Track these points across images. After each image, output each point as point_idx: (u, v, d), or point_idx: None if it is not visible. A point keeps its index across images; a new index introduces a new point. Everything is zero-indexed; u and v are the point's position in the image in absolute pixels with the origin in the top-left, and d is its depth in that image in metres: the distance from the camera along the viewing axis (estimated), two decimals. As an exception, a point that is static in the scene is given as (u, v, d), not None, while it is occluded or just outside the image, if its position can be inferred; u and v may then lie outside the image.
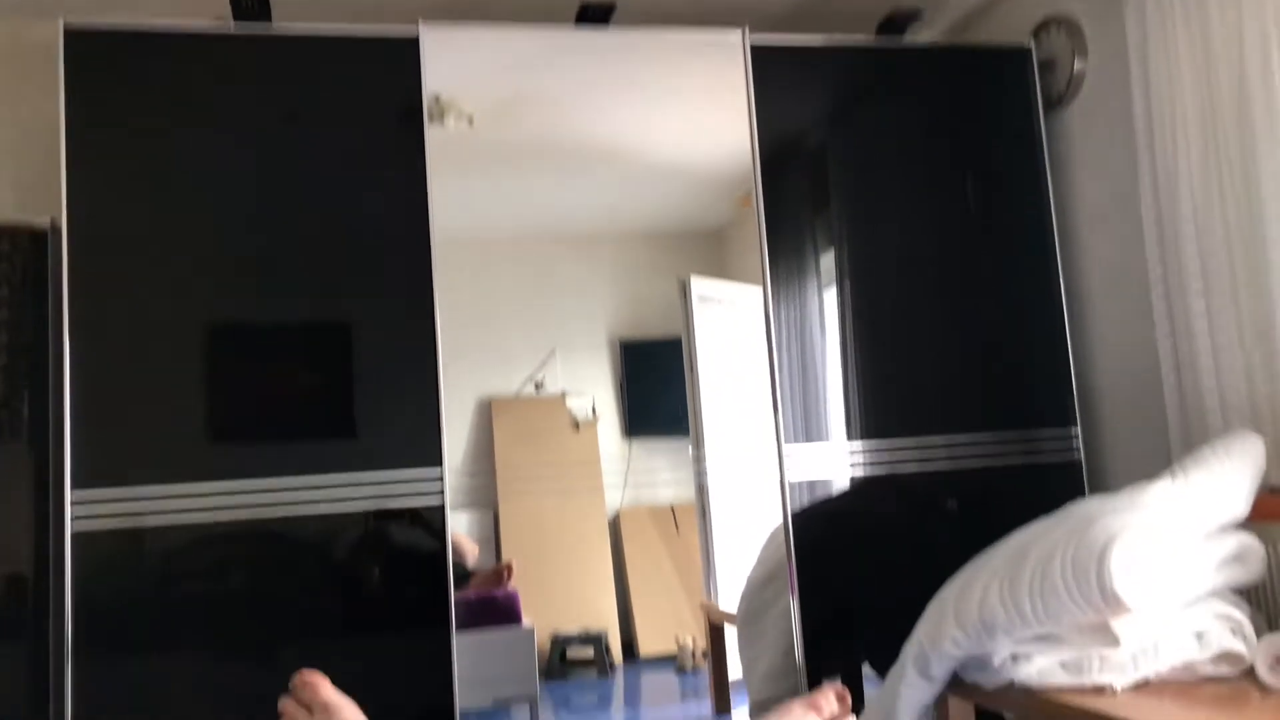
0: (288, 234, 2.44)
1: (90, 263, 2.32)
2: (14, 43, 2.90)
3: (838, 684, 1.37)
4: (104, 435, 2.28)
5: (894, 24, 2.87)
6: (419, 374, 2.46)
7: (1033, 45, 2.85)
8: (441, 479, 2.45)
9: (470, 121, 2.64)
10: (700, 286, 3.59)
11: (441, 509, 2.44)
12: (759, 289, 2.66)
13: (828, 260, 2.70)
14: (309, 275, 2.44)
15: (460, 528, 4.12)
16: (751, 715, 2.94)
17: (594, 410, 4.55)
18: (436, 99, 2.56)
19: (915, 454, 2.61)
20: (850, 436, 2.61)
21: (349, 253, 2.46)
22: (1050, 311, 2.71)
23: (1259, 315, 2.18)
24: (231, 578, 2.34)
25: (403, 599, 2.41)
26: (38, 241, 2.33)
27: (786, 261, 2.67)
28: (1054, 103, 2.84)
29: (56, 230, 2.35)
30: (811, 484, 2.59)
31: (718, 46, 2.71)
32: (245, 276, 2.41)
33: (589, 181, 3.01)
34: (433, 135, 2.51)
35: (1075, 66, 2.78)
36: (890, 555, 2.57)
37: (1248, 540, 1.99)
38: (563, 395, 4.50)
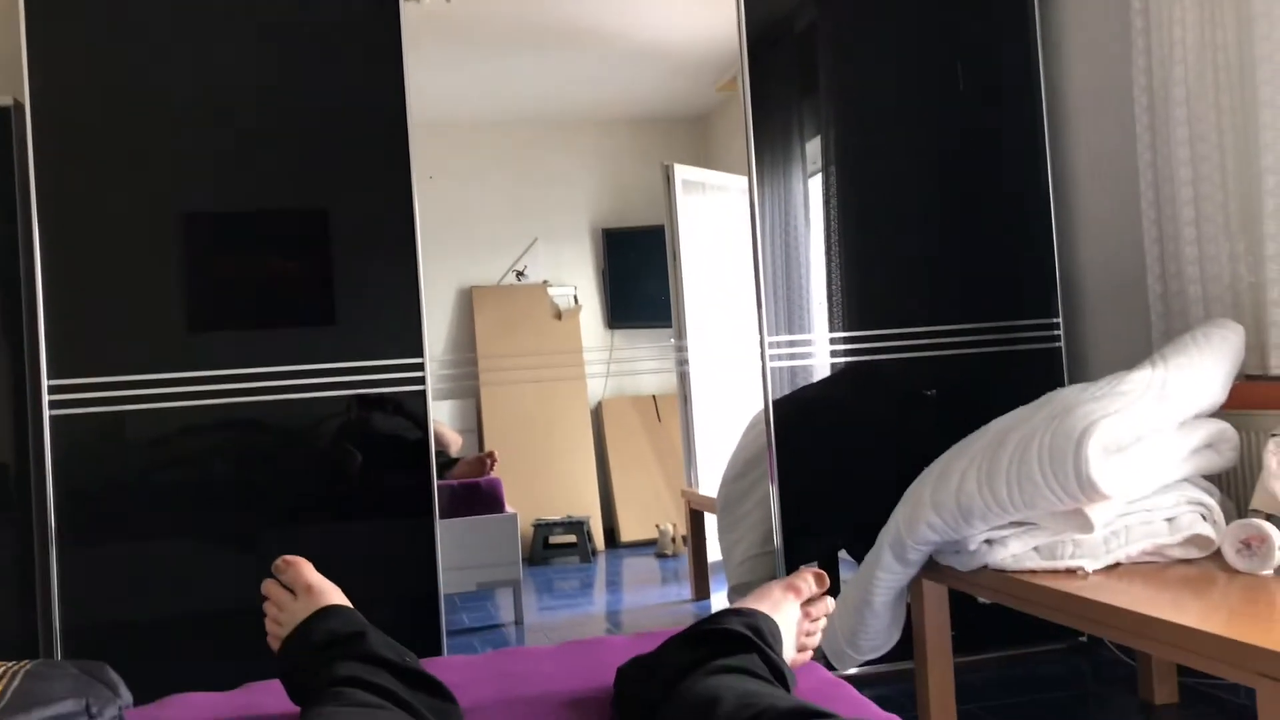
0: (260, 115, 2.36)
1: (55, 143, 2.25)
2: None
3: (815, 566, 1.39)
4: (78, 324, 2.25)
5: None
6: (398, 261, 2.42)
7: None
8: (423, 367, 2.43)
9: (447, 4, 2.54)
10: (684, 174, 3.53)
11: (423, 396, 2.43)
12: (743, 177, 2.61)
13: (814, 147, 2.65)
14: (283, 159, 2.38)
15: (443, 416, 4.14)
16: (730, 599, 3.00)
17: (576, 299, 4.53)
18: (411, -26, 2.45)
19: (897, 345, 2.61)
20: (833, 329, 2.60)
21: (323, 136, 2.39)
22: (1037, 202, 2.68)
23: (1246, 203, 2.16)
24: (213, 464, 2.34)
25: (386, 486, 2.42)
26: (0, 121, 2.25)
27: (772, 148, 2.61)
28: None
29: (20, 108, 2.27)
30: (792, 370, 2.59)
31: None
32: (217, 160, 2.34)
33: (570, 64, 2.92)
34: (408, 12, 2.41)
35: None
36: (869, 442, 2.60)
37: (1223, 428, 2.01)
38: (544, 284, 4.47)
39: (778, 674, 1.15)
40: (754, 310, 2.62)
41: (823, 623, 1.35)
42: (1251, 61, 2.08)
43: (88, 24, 2.29)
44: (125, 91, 2.30)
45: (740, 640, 1.16)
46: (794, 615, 1.30)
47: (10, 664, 1.07)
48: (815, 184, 2.65)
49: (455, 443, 3.91)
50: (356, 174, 2.42)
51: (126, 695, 1.10)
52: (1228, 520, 1.91)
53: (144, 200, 2.31)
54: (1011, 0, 2.69)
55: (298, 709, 1.16)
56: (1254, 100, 2.08)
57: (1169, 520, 1.93)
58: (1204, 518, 1.93)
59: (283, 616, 1.24)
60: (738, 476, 3.00)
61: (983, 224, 2.66)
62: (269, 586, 1.28)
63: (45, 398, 2.23)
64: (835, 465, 2.59)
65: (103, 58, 2.30)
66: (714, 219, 3.75)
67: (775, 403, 2.56)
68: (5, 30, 2.33)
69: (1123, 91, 2.50)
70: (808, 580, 1.34)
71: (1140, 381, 1.99)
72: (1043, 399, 2.07)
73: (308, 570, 1.28)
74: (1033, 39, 2.69)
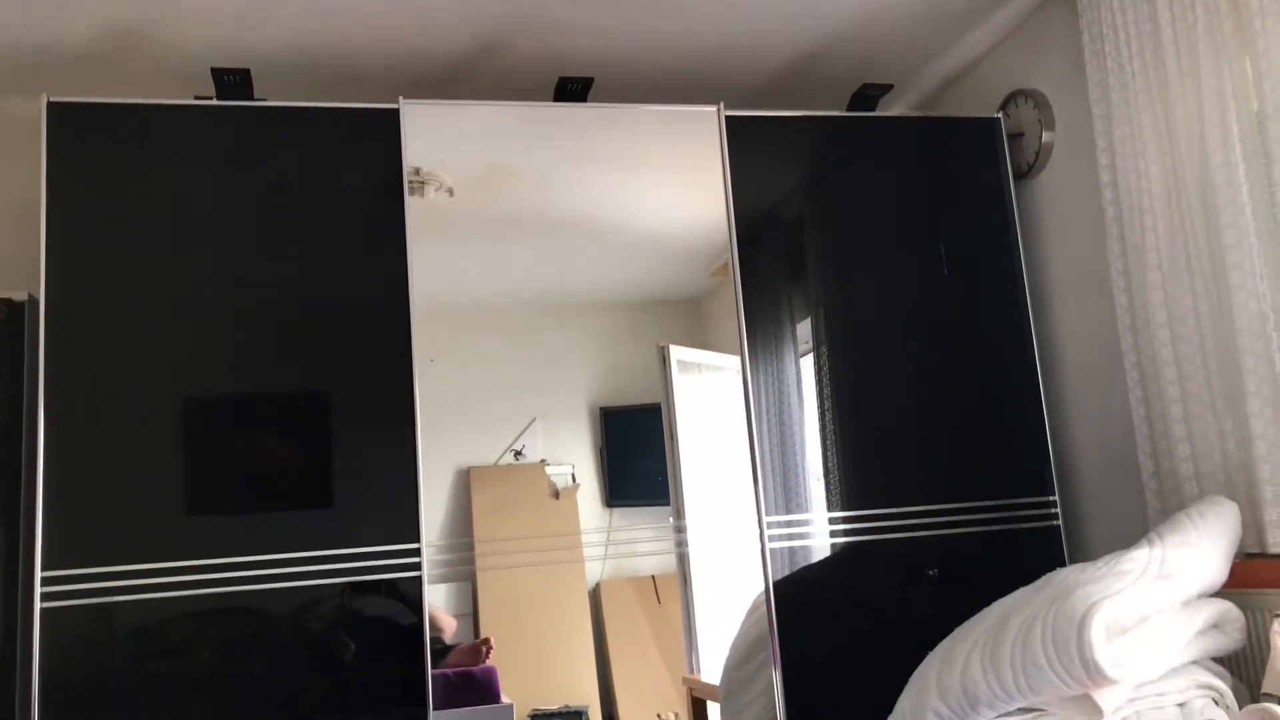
0: (266, 305, 2.44)
1: (67, 337, 2.31)
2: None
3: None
4: (76, 513, 2.25)
5: (866, 98, 2.93)
6: (397, 445, 2.45)
7: (1002, 117, 2.91)
8: (419, 553, 2.42)
9: (450, 192, 2.67)
10: (679, 354, 3.61)
11: (419, 582, 2.41)
12: (737, 357, 2.67)
13: (804, 328, 2.72)
14: (287, 344, 2.44)
15: (438, 600, 4.06)
16: (735, 791, 2.88)
17: (574, 478, 4.53)
18: (417, 171, 2.58)
19: (895, 524, 2.61)
20: (830, 508, 2.61)
21: (327, 323, 2.46)
22: (1026, 380, 2.74)
23: (1228, 383, 2.20)
24: (204, 655, 2.29)
25: (379, 675, 2.37)
26: (14, 315, 2.31)
27: (764, 329, 2.69)
28: (1024, 173, 2.90)
29: (34, 304, 2.34)
30: (792, 551, 2.57)
31: (694, 119, 2.76)
32: (223, 347, 2.40)
33: (568, 251, 3.03)
34: (413, 206, 2.53)
35: (1043, 138, 2.84)
36: (872, 624, 2.55)
37: (1227, 607, 1.99)
38: (542, 463, 4.48)
39: None
40: (752, 489, 2.62)
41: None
42: (1220, 249, 2.17)
43: (105, 221, 2.39)
44: (136, 284, 2.38)
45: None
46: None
47: None
48: (807, 363, 2.71)
49: (450, 628, 3.83)
50: (359, 358, 2.47)
51: None
52: (1240, 705, 1.87)
53: (148, 387, 2.35)
54: (989, 188, 2.83)
55: None
56: (1225, 284, 2.16)
57: (1180, 705, 1.88)
58: (1216, 702, 1.89)
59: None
60: (740, 662, 2.93)
61: (974, 403, 2.70)
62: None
63: (37, 589, 2.21)
64: (839, 649, 2.54)
65: (114, 252, 2.38)
66: (710, 398, 3.81)
67: (776, 584, 2.53)
68: (24, 228, 2.44)
69: (1101, 274, 2.59)
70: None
71: (1139, 561, 1.98)
72: (1043, 579, 2.05)
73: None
74: (1012, 225, 2.80)
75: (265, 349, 2.42)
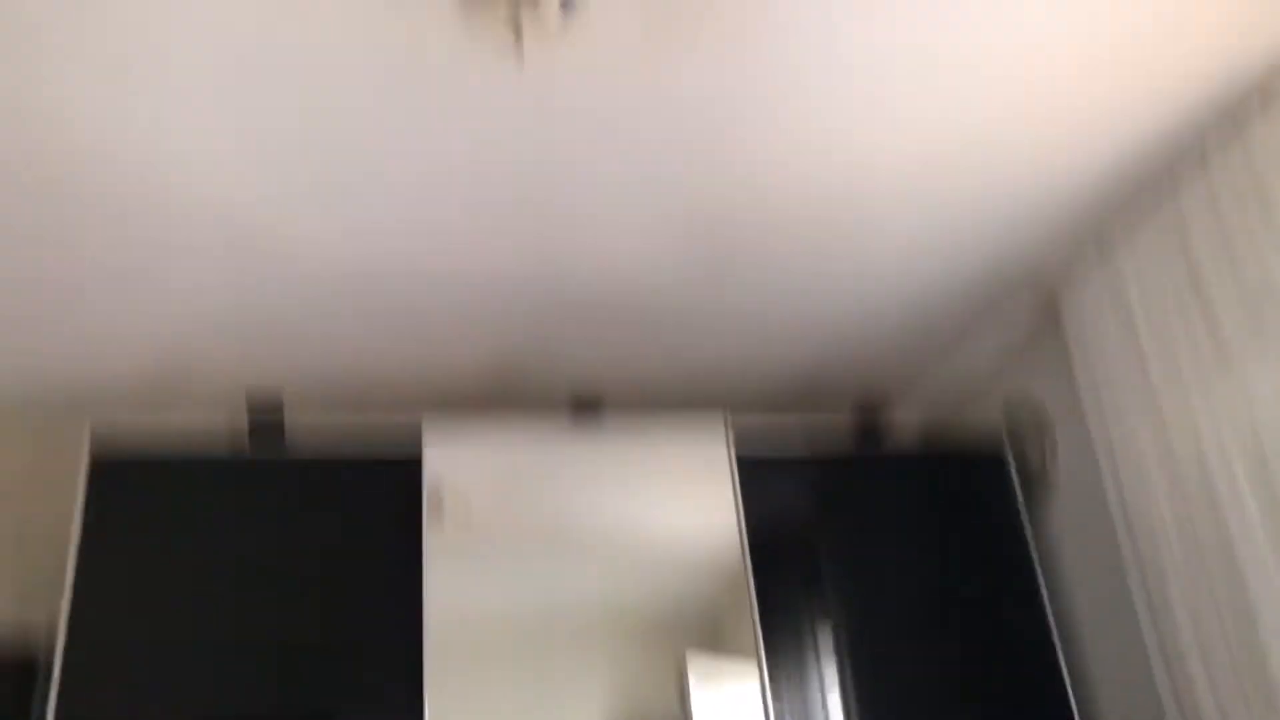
0: (278, 624, 2.44)
1: (80, 674, 2.30)
2: (37, 444, 3.04)
3: None
4: None
5: (868, 407, 3.05)
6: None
7: (1005, 433, 2.99)
8: None
9: (468, 514, 2.73)
10: (698, 665, 3.53)
11: None
12: (754, 664, 2.63)
13: (825, 642, 2.69)
14: (297, 667, 2.42)
15: None
16: None
17: (590, 801, 4.30)
18: (436, 492, 2.66)
19: None
20: (861, 829, 2.49)
21: (338, 644, 2.45)
22: (1058, 707, 2.67)
23: (1268, 707, 2.15)
24: None
25: None
26: (27, 670, 2.32)
27: (784, 645, 2.67)
28: (1032, 486, 2.94)
29: (50, 645, 2.34)
30: None
31: (702, 436, 2.86)
32: (237, 679, 2.38)
33: (582, 569, 3.06)
34: (430, 531, 2.59)
35: (1046, 449, 2.91)
36: None
37: None
38: (557, 786, 4.27)
39: None
40: (777, 819, 2.51)
41: None
42: (1242, 580, 2.17)
43: (132, 560, 2.43)
44: (153, 612, 2.39)
45: None
46: None
47: None
48: (830, 672, 2.66)
49: None
50: (368, 678, 2.44)
51: None
52: None
53: (160, 712, 2.31)
54: (1001, 510, 2.87)
55: None
56: (1252, 615, 2.15)
57: None
58: None
59: None
60: None
61: (1004, 720, 2.63)
62: None
63: None
64: None
65: (138, 583, 2.41)
66: (731, 708, 3.69)
67: None
68: (49, 554, 2.48)
69: (1125, 599, 2.57)
70: None
71: None
72: None
73: None
74: (1025, 546, 2.82)
75: (276, 667, 2.41)
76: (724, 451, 2.83)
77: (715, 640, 3.75)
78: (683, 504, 2.91)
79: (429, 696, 2.44)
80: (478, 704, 3.53)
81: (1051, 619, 2.75)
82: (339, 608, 2.49)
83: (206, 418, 2.90)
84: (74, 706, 2.26)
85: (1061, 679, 2.69)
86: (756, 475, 2.78)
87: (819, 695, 2.64)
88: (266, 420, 2.66)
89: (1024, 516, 2.86)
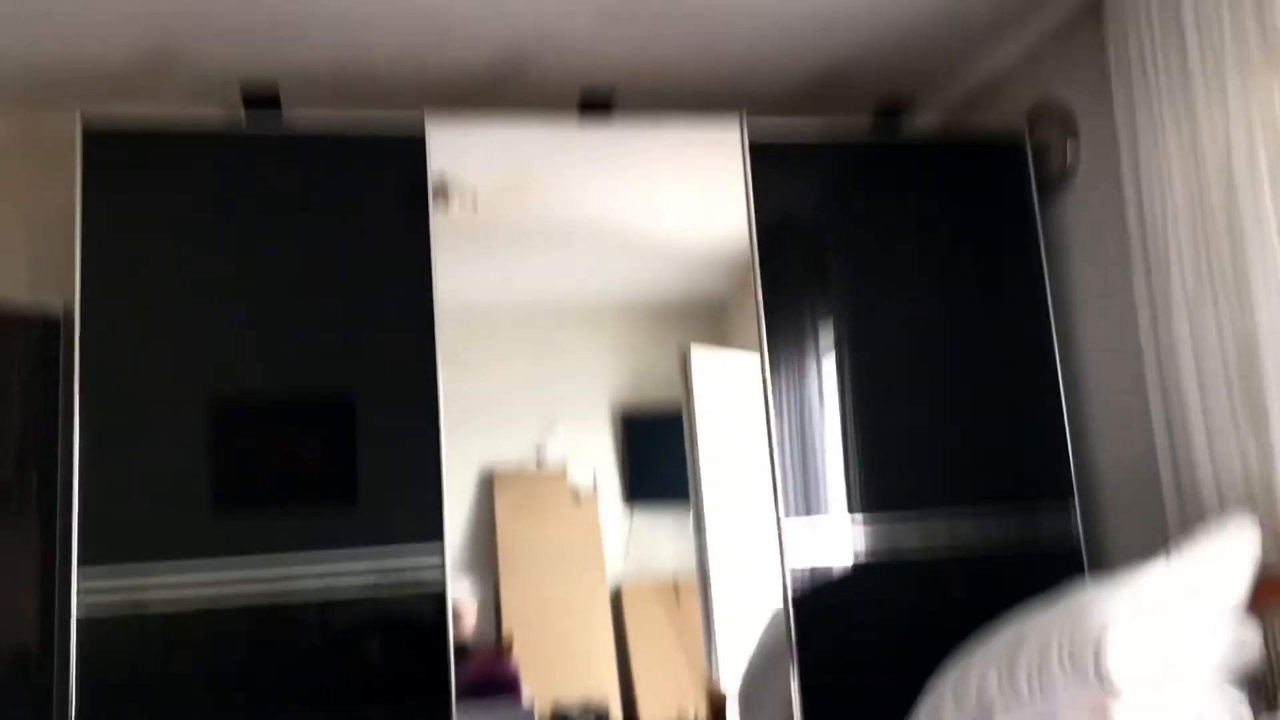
0: (294, 312, 2.49)
1: (100, 347, 2.37)
2: (31, 132, 2.98)
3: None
4: (110, 515, 2.31)
5: (890, 109, 2.94)
6: (421, 448, 2.49)
7: (1026, 134, 2.91)
8: (442, 555, 2.47)
9: (474, 204, 2.70)
10: (700, 357, 3.63)
11: (442, 586, 2.45)
12: (758, 359, 2.69)
13: (826, 335, 2.74)
14: (315, 350, 2.49)
15: (461, 594, 4.11)
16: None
17: (595, 483, 4.57)
18: (441, 183, 2.62)
19: (916, 528, 2.63)
20: (851, 509, 2.63)
21: (354, 326, 2.51)
22: (1047, 388, 2.75)
23: (1252, 400, 2.21)
24: (233, 656, 2.35)
25: (404, 671, 2.42)
26: (50, 328, 2.38)
27: (786, 337, 2.71)
28: (1049, 188, 2.90)
29: (69, 315, 2.40)
30: (811, 553, 2.60)
31: (717, 128, 2.79)
32: (252, 355, 2.45)
33: (591, 259, 3.07)
34: (437, 217, 2.57)
35: (1068, 153, 2.84)
36: (891, 634, 2.58)
37: (1243, 624, 2.00)
38: (564, 468, 4.52)
39: None
40: (771, 493, 2.65)
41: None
42: (1245, 268, 2.17)
43: (138, 234, 2.44)
44: (165, 288, 2.44)
45: None
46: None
47: None
48: (829, 368, 2.73)
49: (471, 616, 3.88)
50: (384, 362, 2.52)
51: None
52: (1256, 718, 1.88)
53: (178, 389, 2.40)
54: (1014, 205, 2.83)
55: None
56: (1250, 303, 2.16)
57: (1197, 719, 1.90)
58: (1231, 716, 1.90)
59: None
60: (760, 671, 2.96)
61: (997, 417, 2.71)
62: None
63: (74, 594, 2.27)
64: (858, 659, 2.57)
65: (147, 259, 2.44)
66: (731, 401, 3.83)
67: (795, 592, 2.56)
68: (62, 238, 2.49)
69: (1125, 292, 2.59)
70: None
71: (1157, 578, 1.99)
72: (1061, 595, 2.07)
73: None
74: (1036, 242, 2.81)
75: (292, 354, 2.47)
76: (737, 145, 2.76)
77: (719, 333, 3.85)
78: (693, 197, 2.88)
79: (443, 378, 2.51)
80: (489, 386, 3.68)
81: (1053, 318, 2.78)
82: (350, 289, 2.52)
83: (200, 110, 2.82)
84: (94, 372, 2.35)
85: (1055, 379, 2.75)
86: (769, 163, 2.73)
87: (817, 388, 2.72)
88: (263, 99, 2.57)
89: (1037, 214, 2.83)
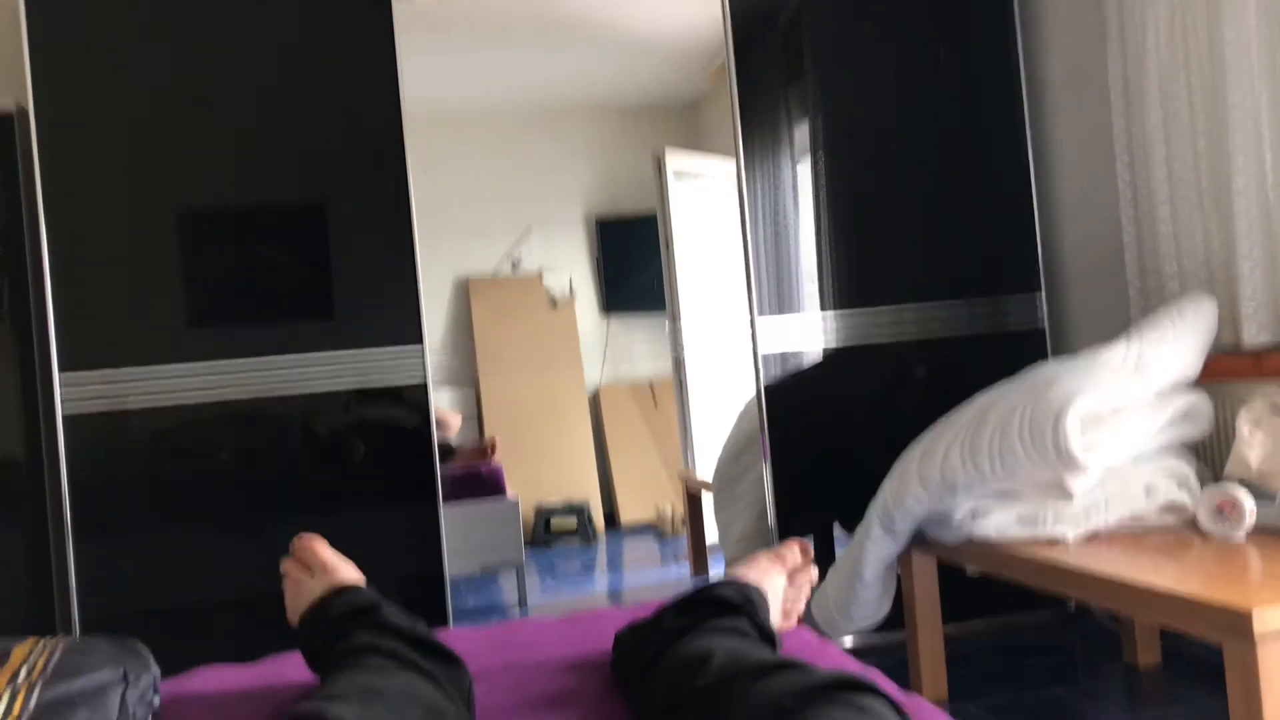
0: (257, 113, 2.42)
1: (59, 146, 2.31)
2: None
3: (801, 539, 1.46)
4: (85, 318, 2.32)
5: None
6: (395, 252, 2.48)
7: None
8: (423, 355, 2.50)
9: (438, -4, 2.60)
10: (674, 161, 3.59)
11: (424, 385, 2.49)
12: (733, 162, 2.67)
13: (801, 132, 2.71)
14: (281, 155, 2.44)
15: (443, 404, 4.20)
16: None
17: (571, 288, 4.59)
18: (403, -27, 2.51)
19: (887, 321, 2.67)
20: (823, 307, 2.67)
21: (320, 131, 2.45)
22: (1018, 177, 2.75)
23: (1218, 181, 2.22)
24: (220, 456, 2.41)
25: (391, 473, 2.49)
26: (4, 126, 2.30)
27: (760, 133, 2.67)
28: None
29: (23, 113, 2.33)
30: (783, 349, 2.65)
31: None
32: (215, 157, 2.40)
33: (561, 55, 2.97)
34: (400, 11, 2.47)
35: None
36: (859, 421, 2.66)
37: (1197, 399, 2.08)
38: (539, 273, 4.54)
39: (766, 636, 1.22)
40: (745, 293, 2.68)
41: (807, 590, 1.42)
42: (1220, 43, 2.15)
43: (87, 27, 2.35)
44: (124, 91, 2.36)
45: (731, 605, 1.23)
46: (780, 584, 1.37)
47: (46, 639, 1.14)
48: (804, 166, 2.71)
49: (455, 426, 3.99)
50: (353, 167, 2.47)
51: (156, 668, 1.17)
52: (1203, 487, 1.98)
53: (145, 197, 2.37)
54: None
55: (317, 677, 1.23)
56: (1223, 82, 2.15)
57: (1147, 488, 2.00)
58: (1180, 485, 2.01)
59: (300, 592, 1.31)
60: (733, 458, 3.07)
61: (966, 202, 2.72)
62: (287, 566, 1.35)
63: (58, 393, 2.30)
64: (827, 444, 2.66)
65: (101, 58, 2.35)
66: (705, 205, 3.81)
67: (768, 385, 2.63)
68: (7, 36, 2.39)
69: (1099, 75, 2.56)
70: (793, 551, 1.41)
71: (1117, 356, 2.06)
72: (1024, 374, 2.14)
73: (324, 549, 1.34)
74: (1011, 25, 2.75)
75: (258, 158, 2.43)
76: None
77: (692, 135, 3.80)
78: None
79: (414, 187, 2.47)
80: (461, 191, 3.65)
81: (1025, 104, 2.75)
82: (315, 90, 2.44)
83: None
84: (55, 179, 2.30)
85: (1026, 165, 2.75)
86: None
87: (791, 188, 2.70)
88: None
89: (1016, 13, 2.75)
